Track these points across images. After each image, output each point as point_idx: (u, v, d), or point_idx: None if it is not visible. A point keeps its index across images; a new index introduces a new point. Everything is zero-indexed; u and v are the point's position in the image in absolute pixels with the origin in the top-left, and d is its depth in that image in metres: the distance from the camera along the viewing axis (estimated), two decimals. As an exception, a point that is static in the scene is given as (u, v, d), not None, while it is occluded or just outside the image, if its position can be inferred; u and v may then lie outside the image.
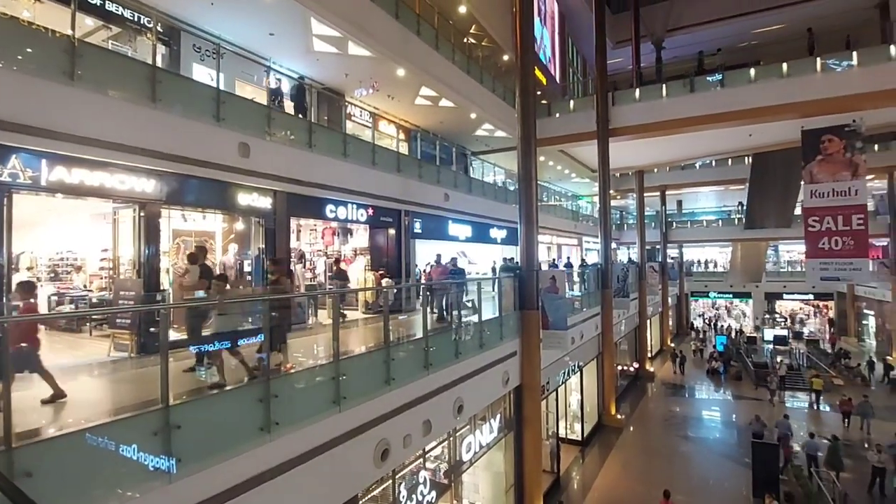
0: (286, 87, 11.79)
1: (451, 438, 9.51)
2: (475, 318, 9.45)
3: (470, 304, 9.82)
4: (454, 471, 9.61)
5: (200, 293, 6.61)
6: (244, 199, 8.98)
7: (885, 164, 27.81)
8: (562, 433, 15.84)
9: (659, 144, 23.17)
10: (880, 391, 23.08)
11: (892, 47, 16.79)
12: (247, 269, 9.44)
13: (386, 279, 11.75)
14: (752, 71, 18.50)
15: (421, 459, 8.89)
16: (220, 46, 9.06)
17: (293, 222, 11.38)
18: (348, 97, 14.64)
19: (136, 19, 9.81)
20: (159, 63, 8.63)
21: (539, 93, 22.82)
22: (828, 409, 20.18)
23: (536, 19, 22.55)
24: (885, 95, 16.22)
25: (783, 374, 24.05)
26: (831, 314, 38.54)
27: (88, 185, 6.88)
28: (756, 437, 14.52)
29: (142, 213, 7.72)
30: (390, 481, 7.70)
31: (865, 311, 34.66)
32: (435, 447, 9.28)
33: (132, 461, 3.83)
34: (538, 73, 24.33)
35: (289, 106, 11.02)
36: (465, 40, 18.42)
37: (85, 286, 9.77)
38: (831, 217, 13.59)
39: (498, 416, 11.08)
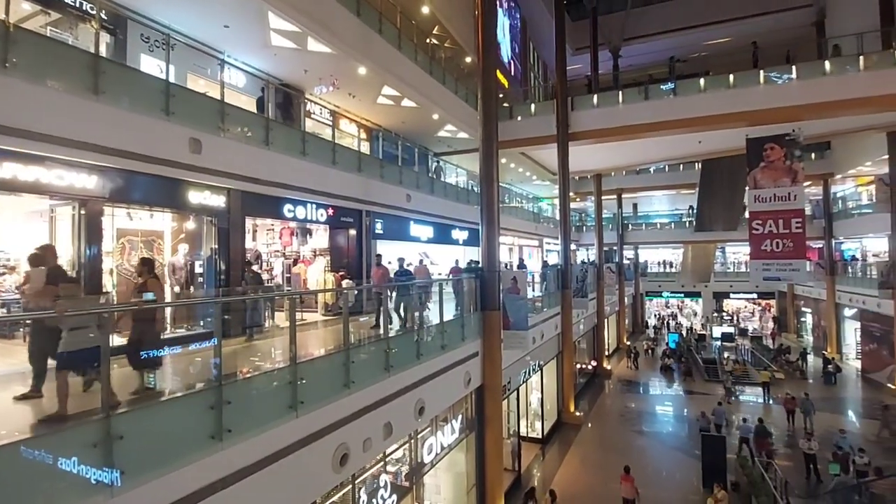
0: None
1: (413, 441, 9.44)
2: (435, 320, 9.43)
3: (428, 305, 9.80)
4: (415, 473, 9.55)
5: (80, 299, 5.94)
6: (196, 197, 8.60)
7: (821, 171, 29.81)
8: (523, 432, 16.05)
9: (616, 149, 23.93)
10: (817, 384, 24.70)
11: (826, 63, 18.03)
12: (198, 270, 9.04)
13: (346, 280, 11.58)
14: (702, 81, 19.41)
15: (382, 463, 8.80)
16: (170, 37, 8.64)
17: (249, 222, 11.02)
18: (308, 94, 14.33)
19: (77, 5, 9.23)
20: (103, 52, 8.15)
21: (501, 95, 23.10)
22: (771, 402, 21.42)
23: (501, 18, 22.86)
24: (821, 107, 17.39)
25: (730, 370, 25.36)
26: (773, 312, 40.91)
27: (22, 180, 6.40)
28: (704, 431, 15.25)
29: (82, 211, 7.25)
30: (350, 486, 7.56)
31: (803, 308, 37.04)
32: (396, 450, 9.19)
33: (72, 475, 3.59)
34: (500, 76, 24.62)
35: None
36: (428, 41, 18.42)
37: (18, 288, 9.09)
38: (773, 220, 14.37)
39: (460, 416, 11.10)
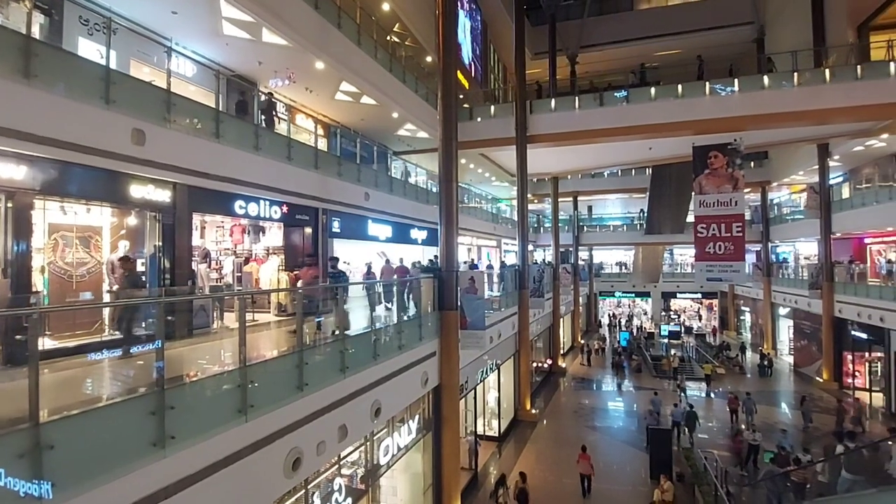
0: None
1: (369, 442, 9.33)
2: (380, 322, 9.34)
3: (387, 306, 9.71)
4: (371, 475, 9.43)
5: None
6: (138, 191, 8.12)
7: (759, 179, 31.76)
8: (480, 430, 16.20)
9: (573, 152, 24.60)
10: (754, 378, 26.37)
11: (765, 77, 19.23)
12: (140, 268, 8.53)
13: (303, 280, 11.24)
14: (653, 90, 20.23)
15: (336, 466, 8.63)
16: (111, 20, 8.12)
17: (196, 218, 10.53)
18: (262, 87, 13.86)
19: (6, -19, 8.51)
20: (36, 34, 7.55)
21: (461, 96, 23.24)
22: (713, 395, 22.65)
23: (462, 19, 22.92)
24: (760, 118, 18.52)
25: (676, 367, 26.59)
26: (716, 311, 43.26)
27: (-63, 169, 5.84)
28: (652, 427, 15.96)
29: (9, 204, 6.69)
30: (303, 491, 7.37)
31: (743, 307, 39.39)
32: (351, 452, 9.05)
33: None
34: (461, 76, 24.74)
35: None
36: (389, 38, 18.24)
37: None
38: (716, 224, 15.16)
39: (417, 416, 11.06)
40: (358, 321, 8.89)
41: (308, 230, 12.78)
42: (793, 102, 18.18)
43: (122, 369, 6.66)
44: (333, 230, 13.56)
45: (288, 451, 6.11)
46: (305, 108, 16.02)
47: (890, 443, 8.28)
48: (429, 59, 20.62)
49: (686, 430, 17.03)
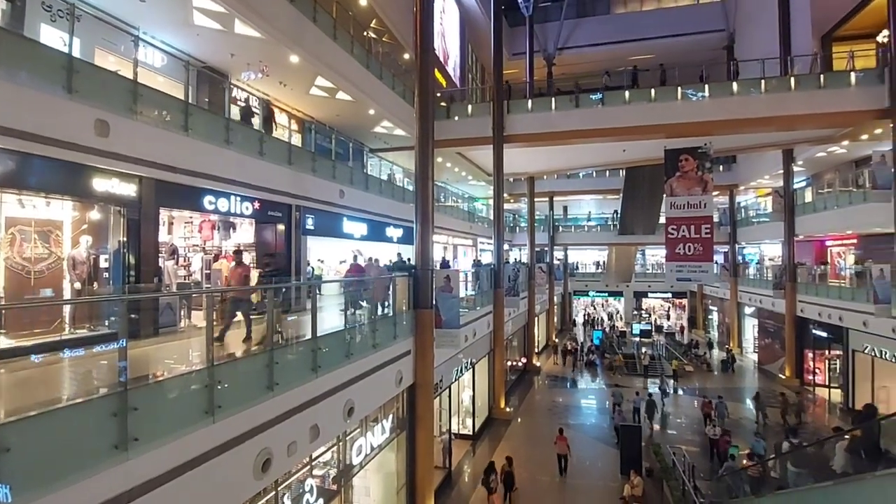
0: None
1: (342, 442, 9.23)
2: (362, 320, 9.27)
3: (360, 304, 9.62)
4: (344, 475, 9.34)
5: None
6: (101, 184, 7.81)
7: (728, 182, 32.73)
8: (454, 429, 16.23)
9: (549, 153, 24.86)
10: (719, 374, 27.23)
11: (734, 84, 19.83)
12: (104, 265, 8.23)
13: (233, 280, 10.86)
14: (627, 94, 20.60)
15: (308, 466, 8.52)
16: (75, 7, 7.79)
17: (164, 213, 10.21)
18: (234, 79, 13.53)
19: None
20: (-4, 19, 7.21)
21: (439, 95, 23.20)
22: (681, 392, 23.28)
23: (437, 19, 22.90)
24: (729, 124, 19.08)
25: (646, 364, 27.22)
26: (686, 311, 44.46)
27: None
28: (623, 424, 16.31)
29: (-39, 197, 6.37)
30: (273, 493, 7.24)
31: (710, 307, 40.58)
32: (324, 452, 8.94)
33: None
34: (438, 75, 24.74)
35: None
36: (366, 34, 18.06)
37: None
38: (686, 226, 15.58)
39: (391, 416, 11.01)
40: (331, 320, 8.80)
41: (281, 227, 12.56)
42: (760, 109, 18.80)
43: (84, 369, 6.42)
44: (307, 227, 13.36)
45: (258, 452, 6.00)
46: (280, 102, 15.72)
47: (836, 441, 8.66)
48: (406, 55, 20.50)
49: (646, 417, 18.29)
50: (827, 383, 22.74)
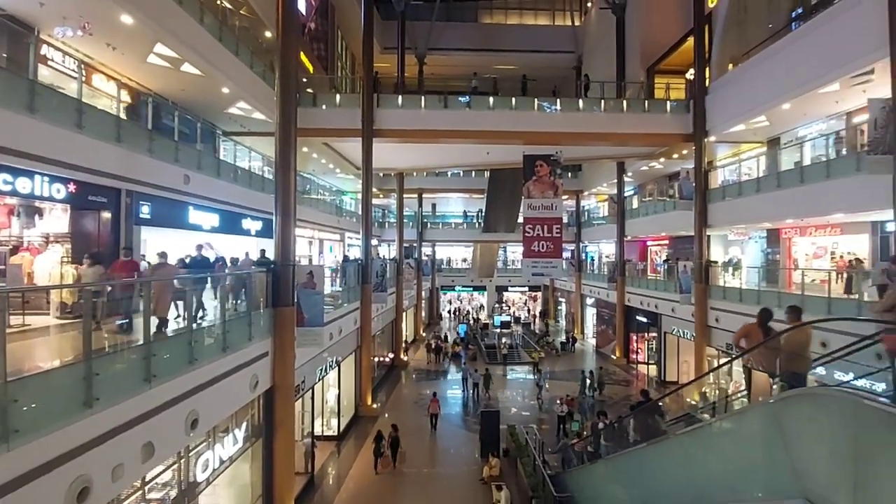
0: None
1: (184, 459, 8.19)
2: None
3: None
4: (187, 495, 8.30)
5: None
6: None
7: (575, 188, 36.71)
8: (318, 430, 15.59)
9: (418, 150, 25.20)
10: (565, 357, 30.59)
11: (580, 101, 22.39)
12: None
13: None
14: (491, 100, 21.89)
15: (141, 490, 7.38)
16: None
17: (-65, 193, 7.97)
18: (45, 34, 11.09)
19: None
20: None
21: (305, 80, 21.98)
22: (538, 379, 25.46)
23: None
24: (576, 136, 21.45)
25: (505, 353, 29.30)
26: (539, 304, 48.98)
27: None
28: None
29: None
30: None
31: (560, 299, 45.32)
32: (163, 472, 7.84)
33: None
34: (305, 59, 23.42)
35: None
36: (220, 3, 16.27)
37: None
38: (540, 226, 17.08)
39: (244, 423, 10.12)
40: (169, 321, 7.73)
41: (106, 214, 10.65)
42: (600, 125, 21.48)
43: None
44: (142, 216, 11.56)
45: (71, 482, 4.99)
46: (107, 67, 13.30)
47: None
48: (268, 34, 18.96)
49: (483, 387, 21.59)
50: (647, 360, 26.89)
